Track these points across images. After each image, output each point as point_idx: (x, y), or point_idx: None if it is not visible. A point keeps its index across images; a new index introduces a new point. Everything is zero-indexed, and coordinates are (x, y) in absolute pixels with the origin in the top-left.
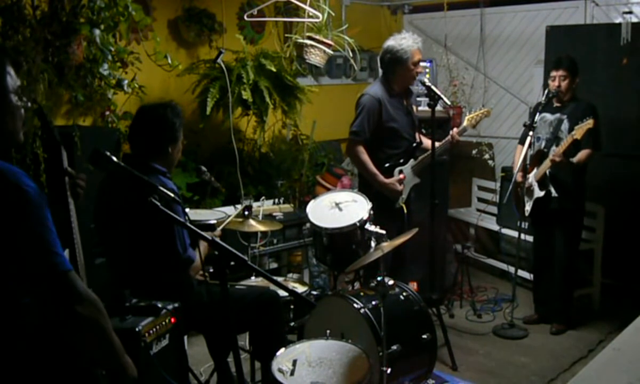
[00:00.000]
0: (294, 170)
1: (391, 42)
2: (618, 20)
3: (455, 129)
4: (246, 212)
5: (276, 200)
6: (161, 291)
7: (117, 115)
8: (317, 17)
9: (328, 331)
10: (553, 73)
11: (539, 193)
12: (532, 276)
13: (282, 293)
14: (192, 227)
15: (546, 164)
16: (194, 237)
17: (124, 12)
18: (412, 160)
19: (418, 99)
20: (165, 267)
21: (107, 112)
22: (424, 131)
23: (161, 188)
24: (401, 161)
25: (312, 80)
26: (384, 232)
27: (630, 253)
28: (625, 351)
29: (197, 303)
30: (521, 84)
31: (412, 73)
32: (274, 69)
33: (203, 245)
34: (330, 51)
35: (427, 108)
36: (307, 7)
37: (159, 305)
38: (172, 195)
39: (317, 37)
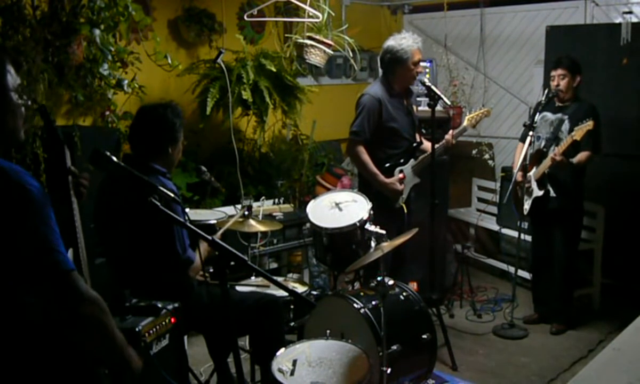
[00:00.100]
0: (294, 170)
1: (391, 42)
2: (618, 20)
3: (451, 132)
4: (246, 213)
5: (276, 200)
6: (161, 291)
7: (117, 115)
8: (317, 17)
9: (328, 331)
10: (552, 73)
11: (537, 192)
12: (531, 275)
13: (282, 292)
14: (192, 227)
15: (546, 163)
16: (194, 238)
17: (124, 12)
18: (412, 160)
19: (418, 99)
20: (164, 267)
21: (107, 112)
22: (423, 131)
23: (161, 188)
24: (401, 160)
25: (312, 80)
26: (384, 232)
27: (630, 253)
28: (625, 351)
29: (197, 303)
30: (521, 84)
31: (412, 73)
32: (274, 69)
33: (203, 246)
34: (330, 51)
35: (427, 108)
36: (307, 7)
37: (159, 305)
38: (172, 195)
39: (317, 37)
